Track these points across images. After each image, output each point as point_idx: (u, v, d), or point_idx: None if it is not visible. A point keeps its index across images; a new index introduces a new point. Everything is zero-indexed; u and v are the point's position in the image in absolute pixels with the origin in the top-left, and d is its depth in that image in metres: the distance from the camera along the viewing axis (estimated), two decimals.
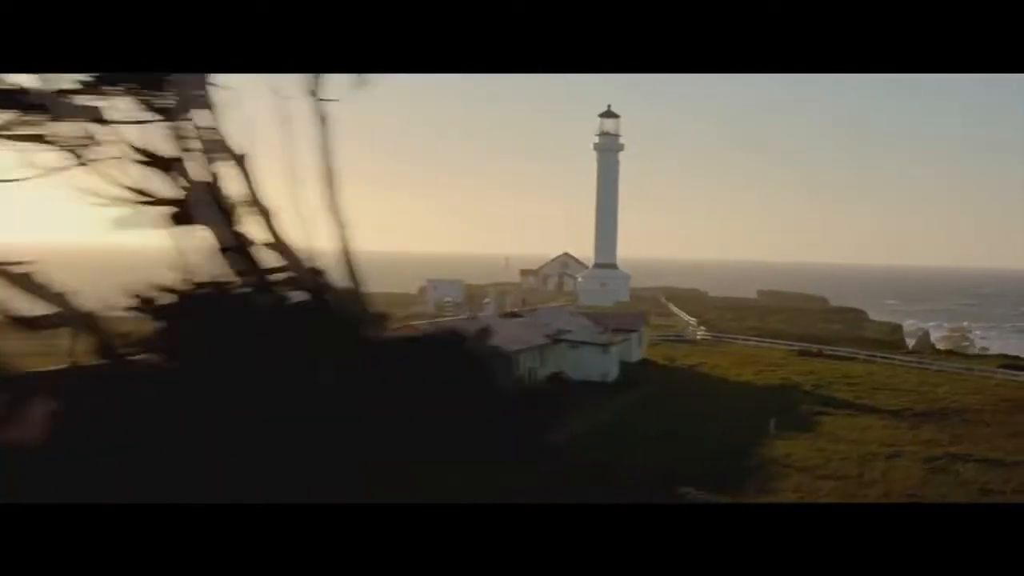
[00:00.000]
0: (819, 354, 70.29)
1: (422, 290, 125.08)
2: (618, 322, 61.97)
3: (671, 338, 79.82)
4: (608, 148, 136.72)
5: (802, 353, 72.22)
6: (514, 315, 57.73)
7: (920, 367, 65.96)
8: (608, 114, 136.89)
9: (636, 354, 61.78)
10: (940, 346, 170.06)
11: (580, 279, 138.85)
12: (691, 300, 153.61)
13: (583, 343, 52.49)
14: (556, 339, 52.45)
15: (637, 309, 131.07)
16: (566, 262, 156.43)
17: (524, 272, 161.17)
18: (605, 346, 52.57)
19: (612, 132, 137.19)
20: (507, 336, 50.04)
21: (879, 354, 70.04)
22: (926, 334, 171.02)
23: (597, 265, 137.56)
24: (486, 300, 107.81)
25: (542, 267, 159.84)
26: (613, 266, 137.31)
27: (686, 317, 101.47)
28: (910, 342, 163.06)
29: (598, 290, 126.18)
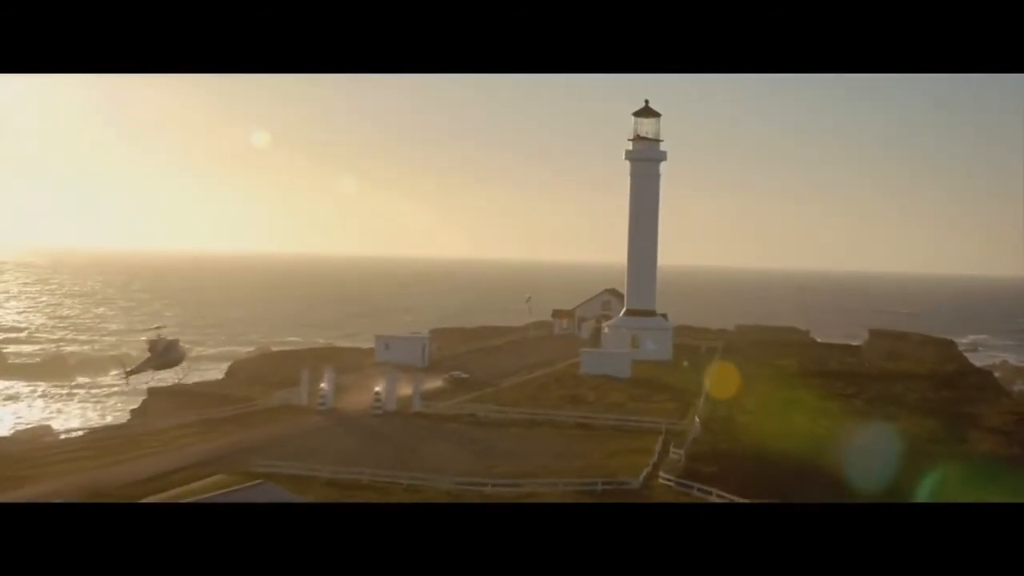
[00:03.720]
0: None
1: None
2: None
3: (611, 487, 46.66)
4: (645, 157, 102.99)
5: None
6: None
7: None
8: (646, 112, 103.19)
9: None
10: None
11: (605, 330, 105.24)
12: (773, 350, 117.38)
13: None
14: None
15: (680, 365, 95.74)
16: (608, 301, 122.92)
17: (557, 313, 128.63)
18: None
19: (651, 136, 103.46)
20: None
21: None
22: None
23: (629, 312, 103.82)
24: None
25: (578, 306, 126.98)
26: (651, 313, 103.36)
27: (696, 415, 67.11)
28: None
29: (618, 354, 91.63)
